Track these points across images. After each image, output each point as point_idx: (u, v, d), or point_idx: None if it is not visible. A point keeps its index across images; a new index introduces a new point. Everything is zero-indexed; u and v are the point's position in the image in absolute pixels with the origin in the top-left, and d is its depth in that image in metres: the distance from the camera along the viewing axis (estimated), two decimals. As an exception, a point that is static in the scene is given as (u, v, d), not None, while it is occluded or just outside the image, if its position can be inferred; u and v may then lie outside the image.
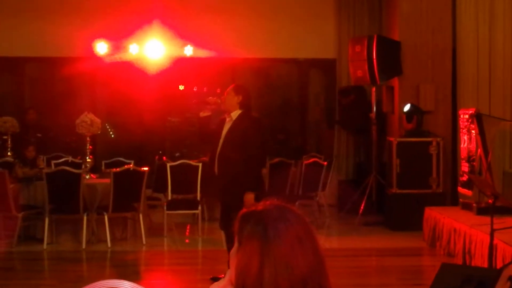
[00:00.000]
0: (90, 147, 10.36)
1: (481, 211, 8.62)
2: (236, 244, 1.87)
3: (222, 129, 7.36)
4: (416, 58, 11.33)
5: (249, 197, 7.05)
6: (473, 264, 7.60)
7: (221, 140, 7.28)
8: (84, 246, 9.46)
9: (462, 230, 8.25)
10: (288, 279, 1.78)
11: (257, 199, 7.03)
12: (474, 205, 9.02)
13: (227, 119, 7.34)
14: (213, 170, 7.40)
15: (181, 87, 14.43)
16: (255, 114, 7.65)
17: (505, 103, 10.82)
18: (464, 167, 9.55)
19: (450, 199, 10.94)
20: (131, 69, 12.77)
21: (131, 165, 10.31)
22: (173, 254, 9.71)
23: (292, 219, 1.86)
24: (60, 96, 13.86)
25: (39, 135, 12.50)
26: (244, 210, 1.91)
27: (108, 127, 13.74)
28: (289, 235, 1.81)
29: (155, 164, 11.97)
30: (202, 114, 7.55)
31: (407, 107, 10.99)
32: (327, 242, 9.95)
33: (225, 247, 7.61)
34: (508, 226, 6.94)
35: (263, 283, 1.77)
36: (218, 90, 12.01)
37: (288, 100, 14.76)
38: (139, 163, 10.93)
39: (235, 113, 7.29)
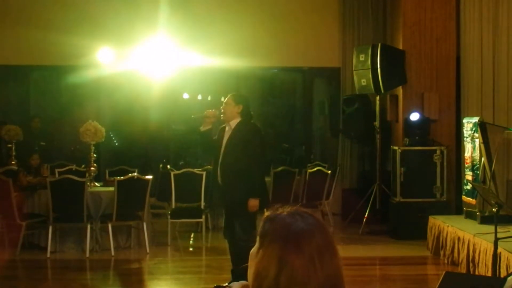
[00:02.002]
0: (94, 155, 10.37)
1: (485, 220, 8.61)
2: (257, 244, 1.87)
3: (222, 138, 7.36)
4: (420, 66, 11.33)
5: (254, 203, 7.04)
6: (477, 273, 7.58)
7: (222, 149, 7.28)
8: (87, 254, 9.46)
9: (466, 238, 8.23)
10: (304, 289, 1.79)
11: (261, 205, 7.03)
12: (478, 213, 9.00)
13: (227, 128, 7.34)
14: (216, 179, 7.40)
15: (186, 96, 14.45)
16: (254, 122, 7.62)
17: (509, 111, 10.83)
18: (468, 175, 9.54)
19: (454, 207, 10.92)
20: (136, 78, 12.77)
21: (135, 174, 10.30)
22: (177, 263, 9.67)
23: (315, 229, 1.86)
24: (64, 104, 13.91)
25: (43, 143, 12.53)
26: (269, 213, 1.91)
27: (112, 135, 13.75)
28: (309, 247, 1.81)
29: (159, 172, 11.98)
30: (203, 128, 7.55)
31: (415, 116, 10.96)
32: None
33: (229, 256, 7.60)
34: (512, 235, 6.93)
35: None
36: (222, 99, 12.01)
37: (292, 109, 14.77)
38: (143, 172, 10.93)
39: (234, 122, 7.29)
